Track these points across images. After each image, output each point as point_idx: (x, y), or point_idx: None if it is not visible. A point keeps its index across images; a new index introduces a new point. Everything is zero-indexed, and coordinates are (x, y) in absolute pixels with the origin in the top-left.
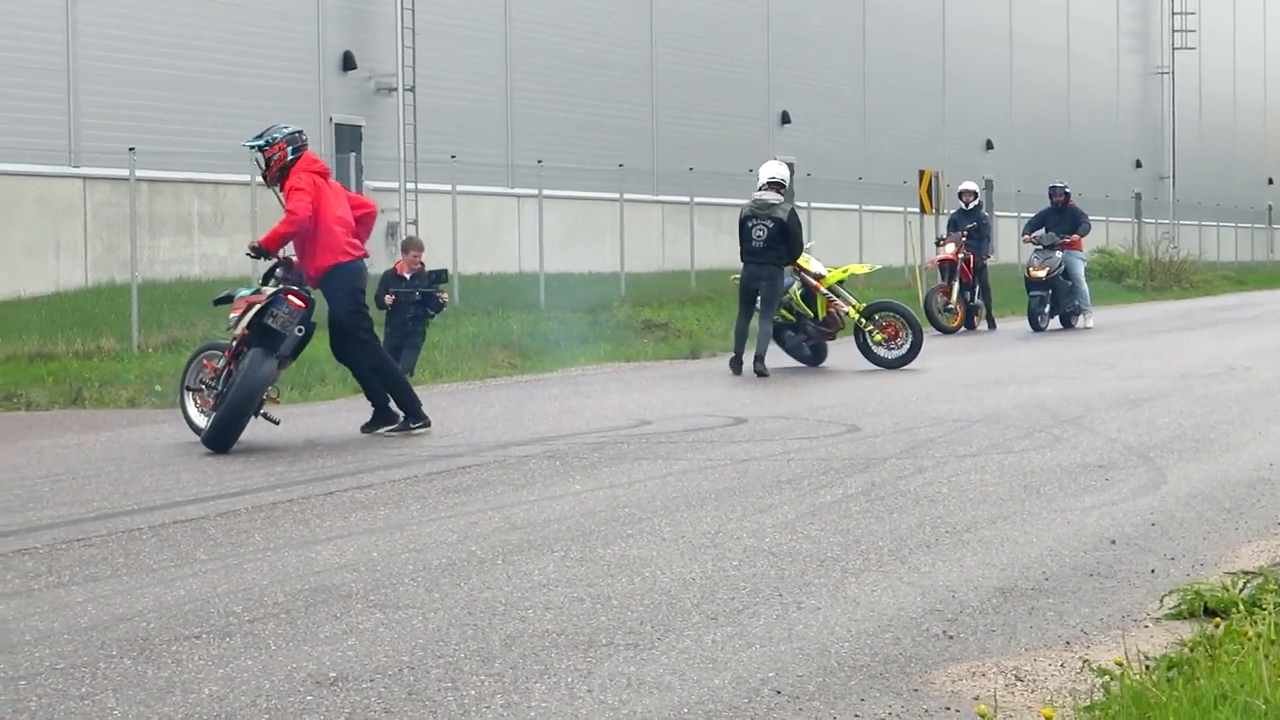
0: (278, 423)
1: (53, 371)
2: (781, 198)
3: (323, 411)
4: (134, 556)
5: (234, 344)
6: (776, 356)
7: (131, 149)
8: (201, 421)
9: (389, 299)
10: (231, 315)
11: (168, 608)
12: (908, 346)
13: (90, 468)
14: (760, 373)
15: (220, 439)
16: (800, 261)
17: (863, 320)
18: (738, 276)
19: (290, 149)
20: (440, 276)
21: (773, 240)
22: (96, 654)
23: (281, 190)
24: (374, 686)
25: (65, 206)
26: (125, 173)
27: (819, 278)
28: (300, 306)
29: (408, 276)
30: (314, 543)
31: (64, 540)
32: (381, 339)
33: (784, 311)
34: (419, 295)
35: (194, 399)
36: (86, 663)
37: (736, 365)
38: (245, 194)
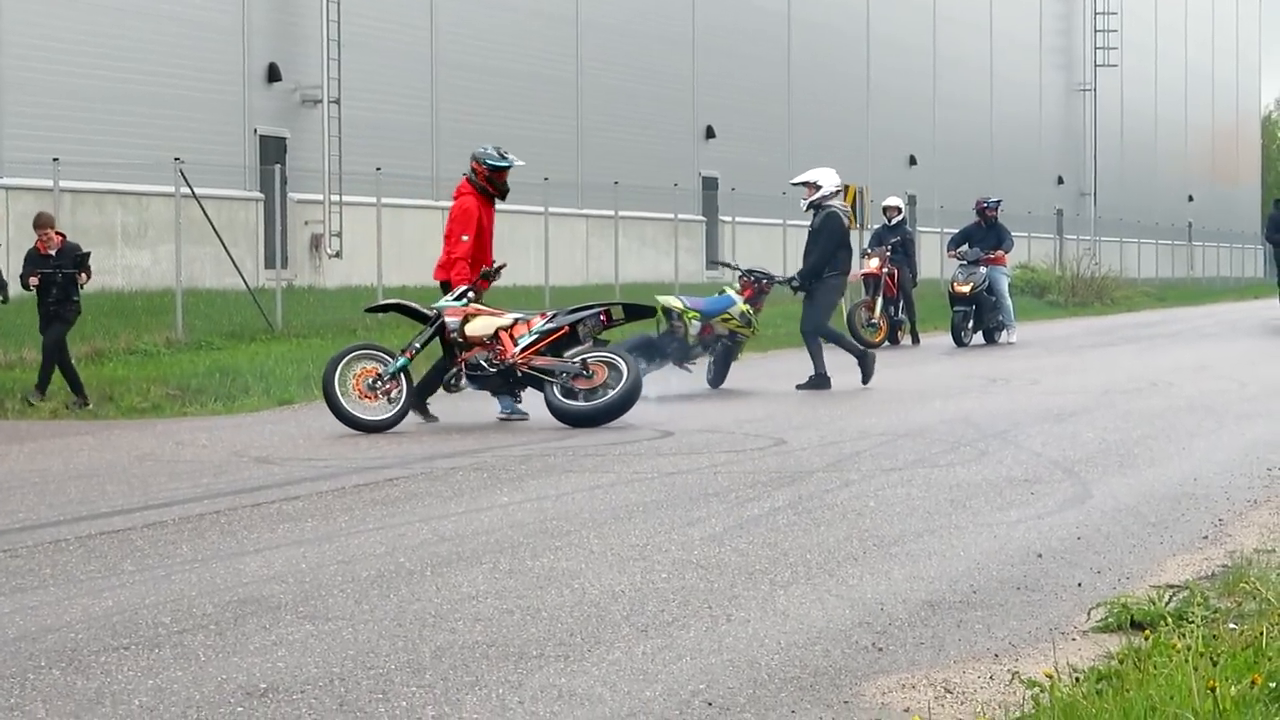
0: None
1: None
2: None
3: (248, 424)
4: (61, 568)
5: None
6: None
7: (55, 159)
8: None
9: (33, 280)
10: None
11: (96, 619)
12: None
13: (14, 479)
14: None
15: None
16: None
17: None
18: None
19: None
20: (83, 260)
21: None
22: (25, 665)
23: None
24: (305, 698)
25: None
26: (49, 183)
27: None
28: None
29: (53, 254)
30: (241, 554)
31: None
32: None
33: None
34: (61, 276)
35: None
36: (15, 674)
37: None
38: (169, 205)
